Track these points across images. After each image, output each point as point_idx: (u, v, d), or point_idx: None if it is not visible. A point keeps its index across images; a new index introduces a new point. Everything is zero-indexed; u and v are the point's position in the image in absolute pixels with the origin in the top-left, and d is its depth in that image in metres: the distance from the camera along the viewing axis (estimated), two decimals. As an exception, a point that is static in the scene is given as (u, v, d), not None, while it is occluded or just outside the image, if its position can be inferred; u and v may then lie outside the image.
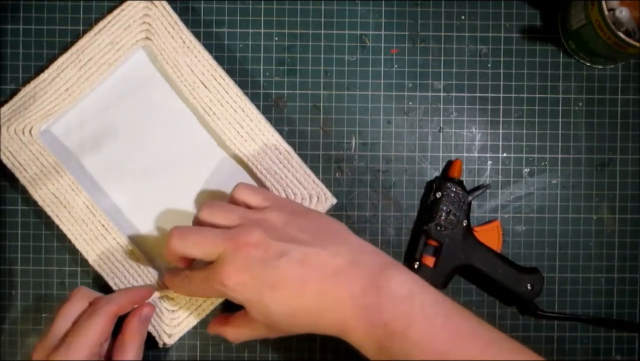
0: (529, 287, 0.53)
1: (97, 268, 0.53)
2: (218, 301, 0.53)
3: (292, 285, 0.40)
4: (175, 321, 0.53)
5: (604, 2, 0.48)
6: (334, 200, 0.54)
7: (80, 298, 0.48)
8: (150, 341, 0.53)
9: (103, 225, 0.53)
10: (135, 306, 0.50)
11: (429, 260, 0.54)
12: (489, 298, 0.56)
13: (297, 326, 0.42)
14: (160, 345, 0.53)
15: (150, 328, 0.53)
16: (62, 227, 0.53)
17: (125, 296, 0.49)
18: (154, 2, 0.53)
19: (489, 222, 0.55)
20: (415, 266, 0.54)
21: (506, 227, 0.56)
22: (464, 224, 0.54)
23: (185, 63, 0.53)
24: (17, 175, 0.54)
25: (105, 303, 0.46)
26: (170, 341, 0.53)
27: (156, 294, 0.52)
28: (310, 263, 0.41)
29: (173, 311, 0.53)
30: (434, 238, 0.54)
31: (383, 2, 0.56)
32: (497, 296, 0.56)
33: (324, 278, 0.40)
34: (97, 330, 0.45)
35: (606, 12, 0.48)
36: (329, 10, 0.56)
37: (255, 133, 0.53)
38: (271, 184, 0.54)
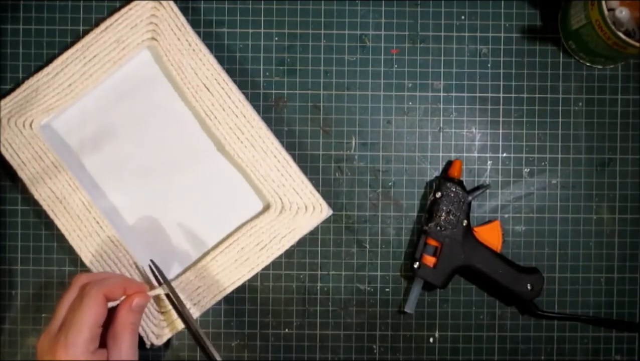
0: (529, 287, 0.53)
1: (88, 265, 0.53)
2: (211, 303, 0.53)
3: None
4: (165, 322, 0.53)
5: (604, 2, 0.48)
6: (329, 212, 0.54)
7: (79, 285, 0.47)
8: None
9: (98, 223, 0.53)
10: (125, 295, 0.49)
11: (429, 260, 0.54)
12: (489, 298, 0.56)
13: None
14: (148, 346, 0.53)
15: (139, 329, 0.53)
16: (57, 221, 0.53)
17: (115, 279, 0.48)
18: (161, 2, 0.53)
19: (489, 222, 0.55)
20: (415, 266, 0.54)
21: (506, 227, 0.56)
22: (464, 224, 0.54)
23: (189, 65, 0.53)
24: (16, 167, 0.54)
25: (93, 286, 0.46)
26: (158, 342, 0.53)
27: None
28: None
29: (164, 312, 0.53)
30: (434, 238, 0.54)
31: (383, 2, 0.56)
32: (497, 296, 0.56)
33: None
34: (89, 314, 0.44)
35: (606, 12, 0.48)
36: (329, 10, 0.56)
37: (255, 140, 0.53)
38: (268, 191, 0.54)
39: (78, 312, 0.44)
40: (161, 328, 0.53)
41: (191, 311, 0.53)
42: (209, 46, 0.55)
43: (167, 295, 0.52)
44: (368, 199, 0.56)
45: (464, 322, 0.56)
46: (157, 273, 0.52)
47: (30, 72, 0.56)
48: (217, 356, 0.49)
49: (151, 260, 0.52)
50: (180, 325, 0.53)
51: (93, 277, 0.48)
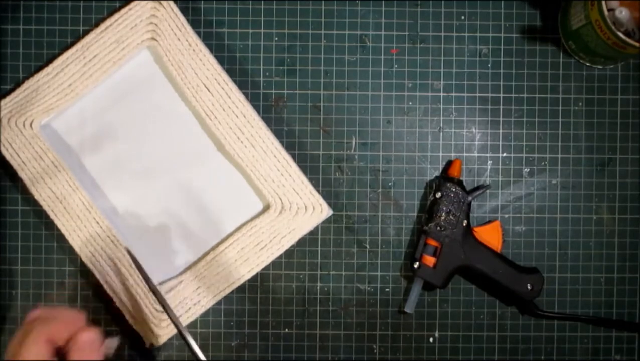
0: (529, 287, 0.53)
1: (89, 265, 0.53)
2: (211, 303, 0.54)
3: None
4: (165, 322, 0.53)
5: (604, 2, 0.48)
6: (329, 212, 0.54)
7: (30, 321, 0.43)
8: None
9: (98, 223, 0.53)
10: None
11: (429, 260, 0.54)
12: (489, 298, 0.56)
13: None
14: (148, 346, 0.53)
15: (139, 329, 0.53)
16: (57, 221, 0.53)
17: (59, 320, 0.42)
18: (162, 2, 0.53)
19: (489, 222, 0.55)
20: (416, 266, 0.54)
21: (506, 227, 0.56)
22: (464, 224, 0.54)
23: (189, 65, 0.53)
24: (16, 167, 0.54)
25: (35, 326, 0.41)
26: (157, 342, 0.53)
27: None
28: None
29: (162, 312, 0.53)
30: (434, 238, 0.54)
31: (383, 2, 0.56)
32: (497, 296, 0.56)
33: None
34: (30, 356, 0.40)
35: (606, 12, 0.48)
36: (329, 10, 0.56)
37: (255, 140, 0.53)
38: (268, 191, 0.54)
39: (18, 356, 0.40)
40: (161, 328, 0.53)
41: (191, 311, 0.53)
42: (209, 46, 0.55)
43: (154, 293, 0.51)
44: (368, 199, 0.56)
45: (464, 322, 0.56)
46: (135, 264, 0.51)
47: (30, 72, 0.56)
48: (201, 356, 0.48)
49: (127, 249, 0.52)
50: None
51: (45, 314, 0.43)
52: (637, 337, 0.56)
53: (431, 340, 0.56)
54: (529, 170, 0.57)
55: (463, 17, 0.56)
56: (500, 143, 0.57)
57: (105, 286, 0.53)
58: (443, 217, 0.54)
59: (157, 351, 0.56)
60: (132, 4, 0.54)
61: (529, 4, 0.57)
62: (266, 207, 0.55)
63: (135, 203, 0.56)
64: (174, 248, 0.56)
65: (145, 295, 0.53)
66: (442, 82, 0.56)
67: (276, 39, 0.56)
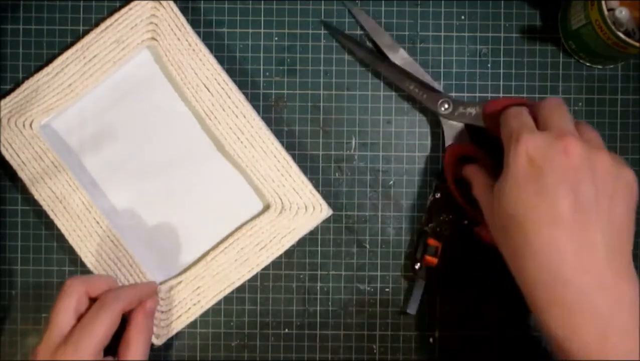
0: (529, 287, 0.53)
1: (89, 265, 0.53)
2: (211, 303, 0.54)
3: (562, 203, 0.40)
4: (164, 322, 0.53)
5: (603, 2, 0.48)
6: (329, 212, 0.54)
7: (76, 289, 0.46)
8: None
9: (98, 223, 0.53)
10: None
11: (430, 261, 0.54)
12: (490, 297, 0.56)
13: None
14: None
15: None
16: (57, 221, 0.53)
17: (133, 293, 0.48)
18: (161, 2, 0.53)
19: (489, 222, 0.55)
20: (416, 267, 0.54)
21: (506, 227, 0.56)
22: (464, 224, 0.53)
23: (189, 65, 0.53)
24: (16, 167, 0.54)
25: (113, 299, 0.46)
26: (158, 342, 0.53)
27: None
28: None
29: (163, 312, 0.53)
30: (435, 238, 0.54)
31: (383, 2, 0.56)
32: (498, 296, 0.56)
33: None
34: (105, 327, 0.44)
35: (606, 12, 0.48)
36: (329, 10, 0.56)
37: (255, 140, 0.54)
38: (267, 191, 0.54)
39: (93, 324, 0.44)
40: (161, 328, 0.53)
41: (191, 311, 0.53)
42: (209, 46, 0.55)
43: None
44: (368, 199, 0.56)
45: (464, 322, 0.56)
46: None
47: (30, 72, 0.56)
48: None
49: None
50: (180, 325, 0.53)
51: (93, 283, 0.48)
52: (637, 337, 0.56)
53: (431, 340, 0.56)
54: (529, 170, 0.56)
55: (463, 17, 0.56)
56: (500, 143, 0.56)
57: (106, 287, 0.53)
58: (443, 217, 0.54)
59: (158, 351, 0.56)
60: (132, 4, 0.54)
61: (529, 4, 0.57)
62: (266, 207, 0.55)
63: (135, 203, 0.56)
64: (174, 248, 0.56)
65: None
66: (442, 82, 0.56)
67: (276, 39, 0.56)
